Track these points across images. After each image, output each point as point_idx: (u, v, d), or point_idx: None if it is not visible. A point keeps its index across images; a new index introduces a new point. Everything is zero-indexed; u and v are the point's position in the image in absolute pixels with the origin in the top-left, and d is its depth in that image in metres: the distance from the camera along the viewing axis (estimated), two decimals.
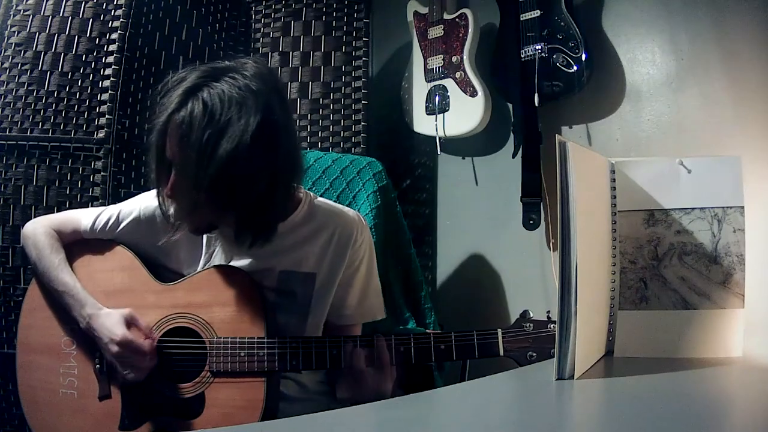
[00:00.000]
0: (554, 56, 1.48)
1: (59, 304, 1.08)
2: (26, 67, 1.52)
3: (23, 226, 1.17)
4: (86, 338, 1.05)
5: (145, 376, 1.01)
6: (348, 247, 1.08)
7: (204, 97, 0.90)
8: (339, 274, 1.09)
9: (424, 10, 1.79)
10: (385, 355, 0.99)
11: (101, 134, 1.54)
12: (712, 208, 0.84)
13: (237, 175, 0.89)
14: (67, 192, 1.52)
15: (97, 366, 1.05)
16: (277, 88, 0.97)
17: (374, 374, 0.99)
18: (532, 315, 1.01)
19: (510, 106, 1.67)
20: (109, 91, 1.54)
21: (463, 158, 1.84)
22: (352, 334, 1.12)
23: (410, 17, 1.82)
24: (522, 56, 1.53)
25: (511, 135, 1.67)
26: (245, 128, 0.88)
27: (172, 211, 1.00)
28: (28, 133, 1.51)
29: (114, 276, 1.09)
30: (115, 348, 0.99)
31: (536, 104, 1.50)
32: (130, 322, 1.02)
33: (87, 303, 1.04)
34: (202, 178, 0.89)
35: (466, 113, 1.66)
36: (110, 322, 1.01)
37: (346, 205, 1.31)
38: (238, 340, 0.99)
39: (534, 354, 0.98)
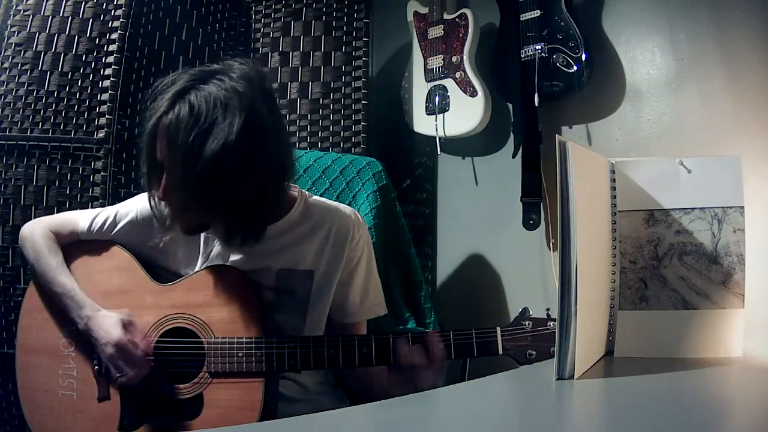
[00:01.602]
0: (554, 56, 1.48)
1: (58, 305, 1.08)
2: (26, 67, 1.52)
3: (23, 226, 1.17)
4: (85, 339, 1.05)
5: (138, 382, 1.01)
6: (345, 244, 1.08)
7: (191, 99, 0.91)
8: (338, 271, 1.09)
9: (424, 10, 1.79)
10: (440, 350, 0.98)
11: (101, 134, 1.54)
12: (712, 208, 0.84)
13: (223, 175, 0.90)
14: (67, 192, 1.52)
15: (96, 367, 1.05)
16: (263, 89, 0.97)
17: (430, 369, 0.97)
18: (531, 313, 1.01)
19: (510, 106, 1.66)
20: (109, 91, 1.54)
21: (463, 158, 1.84)
22: (358, 331, 1.13)
23: (410, 17, 1.82)
24: (522, 56, 1.53)
25: (511, 135, 1.67)
26: (230, 129, 0.89)
27: (165, 212, 1.01)
28: (28, 133, 1.51)
29: (112, 277, 1.09)
30: (110, 350, 1.00)
31: (536, 104, 1.50)
32: (126, 326, 1.02)
33: (86, 305, 1.05)
34: (189, 178, 0.90)
35: (466, 113, 1.66)
36: (107, 324, 1.01)
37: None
38: (236, 340, 0.99)
39: (533, 352, 0.98)
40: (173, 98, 0.92)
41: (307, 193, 1.13)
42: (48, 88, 1.53)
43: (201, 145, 0.88)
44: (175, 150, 0.91)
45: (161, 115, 0.92)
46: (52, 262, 1.09)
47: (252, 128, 0.91)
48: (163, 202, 0.99)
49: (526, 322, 1.00)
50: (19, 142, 1.50)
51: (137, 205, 1.12)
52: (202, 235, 1.08)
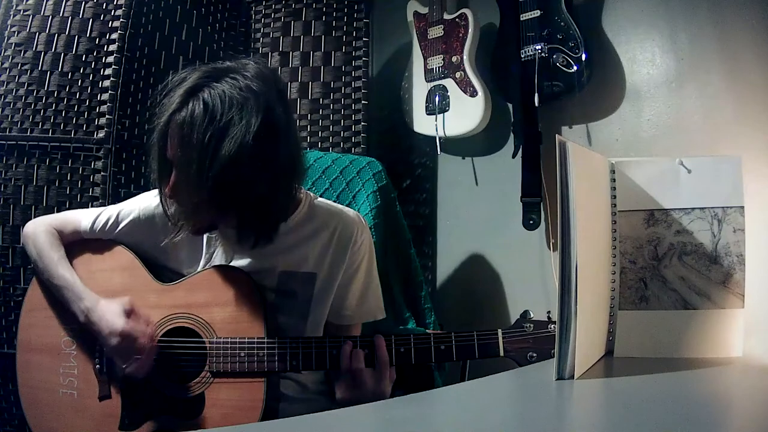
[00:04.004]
0: (554, 56, 1.48)
1: (59, 300, 1.07)
2: (26, 67, 1.53)
3: (23, 226, 1.18)
4: (86, 338, 1.05)
5: (146, 370, 1.00)
6: (348, 247, 1.08)
7: (205, 97, 0.90)
8: (339, 274, 1.09)
9: (424, 10, 1.79)
10: (384, 356, 0.99)
11: (101, 134, 1.54)
12: (712, 208, 0.84)
13: (238, 176, 0.89)
14: (67, 192, 1.53)
15: (97, 366, 1.05)
16: (278, 89, 0.97)
17: (373, 375, 0.99)
18: (532, 315, 1.01)
19: (510, 106, 1.66)
20: (109, 91, 1.54)
21: (463, 158, 1.84)
22: (352, 334, 1.12)
23: (410, 17, 1.82)
24: (522, 56, 1.53)
25: (511, 135, 1.67)
26: (246, 129, 0.88)
27: (173, 211, 1.00)
28: (28, 133, 1.51)
29: (114, 276, 1.09)
30: (115, 339, 0.99)
31: (536, 104, 1.50)
32: (129, 312, 1.01)
33: (85, 296, 1.04)
34: (203, 178, 0.89)
35: (466, 113, 1.66)
36: (109, 314, 1.01)
37: (346, 205, 1.31)
38: (237, 340, 0.99)
39: (534, 354, 0.98)
40: (185, 95, 0.91)
41: (311, 194, 1.13)
42: (48, 88, 1.53)
43: (217, 145, 0.88)
44: (189, 148, 0.90)
45: (173, 112, 0.91)
46: (53, 257, 1.09)
47: (268, 129, 0.90)
48: (171, 201, 0.98)
49: (527, 325, 1.00)
50: (19, 142, 1.50)
51: (140, 204, 1.12)
52: (206, 236, 1.08)
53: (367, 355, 0.99)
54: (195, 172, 0.89)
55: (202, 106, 0.89)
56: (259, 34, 1.85)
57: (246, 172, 0.89)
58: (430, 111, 1.74)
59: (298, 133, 1.06)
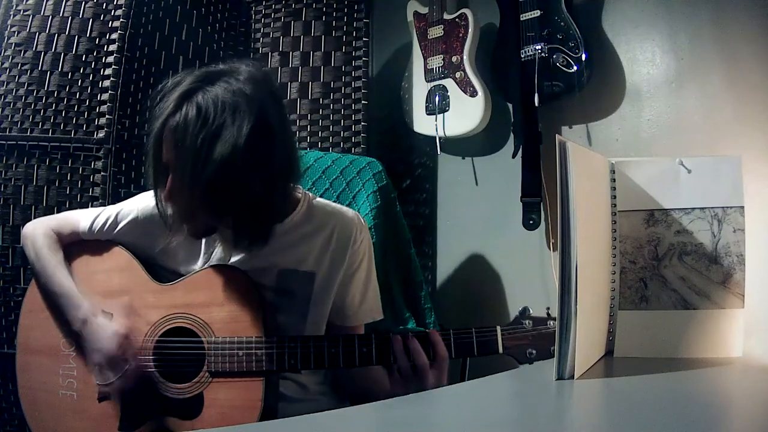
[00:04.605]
0: (554, 56, 1.48)
1: (54, 305, 1.08)
2: (26, 67, 1.53)
3: (23, 226, 1.17)
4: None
5: (119, 393, 1.00)
6: (347, 246, 1.08)
7: (198, 101, 0.90)
8: (339, 273, 1.09)
9: (424, 10, 1.79)
10: (443, 351, 0.97)
11: (101, 134, 1.54)
12: (712, 208, 0.84)
13: (232, 179, 0.90)
14: (67, 192, 1.53)
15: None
16: (271, 91, 0.97)
17: (432, 371, 0.97)
18: (531, 312, 1.01)
19: (510, 106, 1.67)
20: (109, 91, 1.54)
21: (463, 158, 1.84)
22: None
23: (410, 17, 1.82)
24: (522, 56, 1.53)
25: (511, 135, 1.67)
26: (239, 132, 0.89)
27: (170, 215, 1.01)
28: (28, 133, 1.51)
29: (112, 276, 1.09)
30: (98, 358, 1.00)
31: (536, 104, 1.50)
32: (120, 337, 1.01)
33: (82, 306, 1.04)
34: (197, 182, 0.89)
35: (466, 113, 1.66)
36: (102, 334, 1.01)
37: (346, 206, 1.31)
38: (236, 340, 0.99)
39: (533, 351, 0.98)
40: (179, 99, 0.91)
41: (310, 194, 1.13)
42: (48, 88, 1.53)
43: (209, 148, 0.88)
44: (182, 152, 0.90)
45: (167, 117, 0.92)
46: (51, 261, 1.09)
47: (261, 131, 0.91)
48: (168, 205, 0.98)
49: (526, 321, 1.00)
50: (19, 142, 1.50)
51: (138, 204, 1.12)
52: None
53: (366, 353, 0.98)
54: (189, 175, 0.90)
55: (195, 110, 0.90)
56: (259, 34, 1.85)
57: (240, 175, 0.90)
58: (430, 111, 1.74)
59: (293, 135, 1.06)
